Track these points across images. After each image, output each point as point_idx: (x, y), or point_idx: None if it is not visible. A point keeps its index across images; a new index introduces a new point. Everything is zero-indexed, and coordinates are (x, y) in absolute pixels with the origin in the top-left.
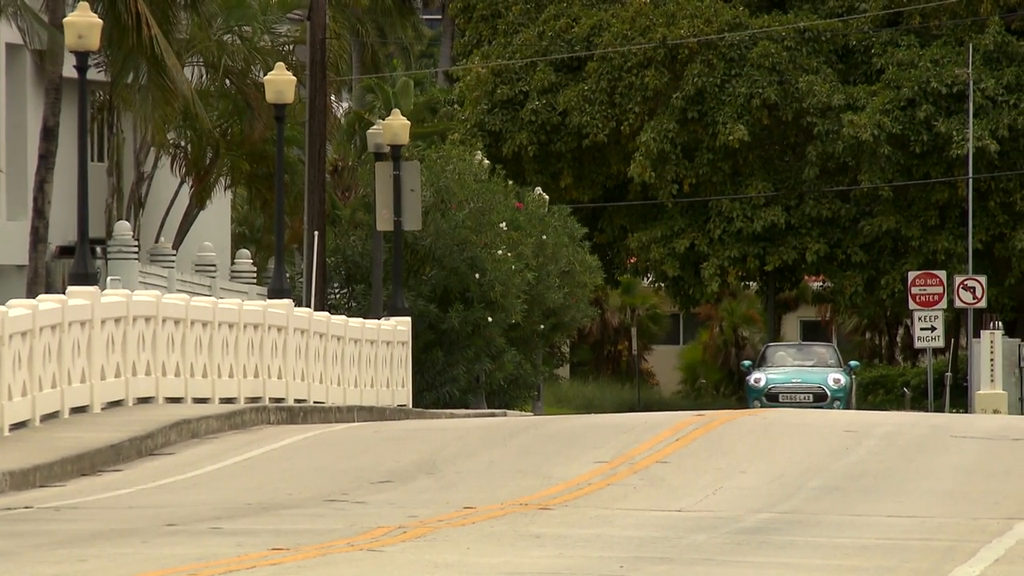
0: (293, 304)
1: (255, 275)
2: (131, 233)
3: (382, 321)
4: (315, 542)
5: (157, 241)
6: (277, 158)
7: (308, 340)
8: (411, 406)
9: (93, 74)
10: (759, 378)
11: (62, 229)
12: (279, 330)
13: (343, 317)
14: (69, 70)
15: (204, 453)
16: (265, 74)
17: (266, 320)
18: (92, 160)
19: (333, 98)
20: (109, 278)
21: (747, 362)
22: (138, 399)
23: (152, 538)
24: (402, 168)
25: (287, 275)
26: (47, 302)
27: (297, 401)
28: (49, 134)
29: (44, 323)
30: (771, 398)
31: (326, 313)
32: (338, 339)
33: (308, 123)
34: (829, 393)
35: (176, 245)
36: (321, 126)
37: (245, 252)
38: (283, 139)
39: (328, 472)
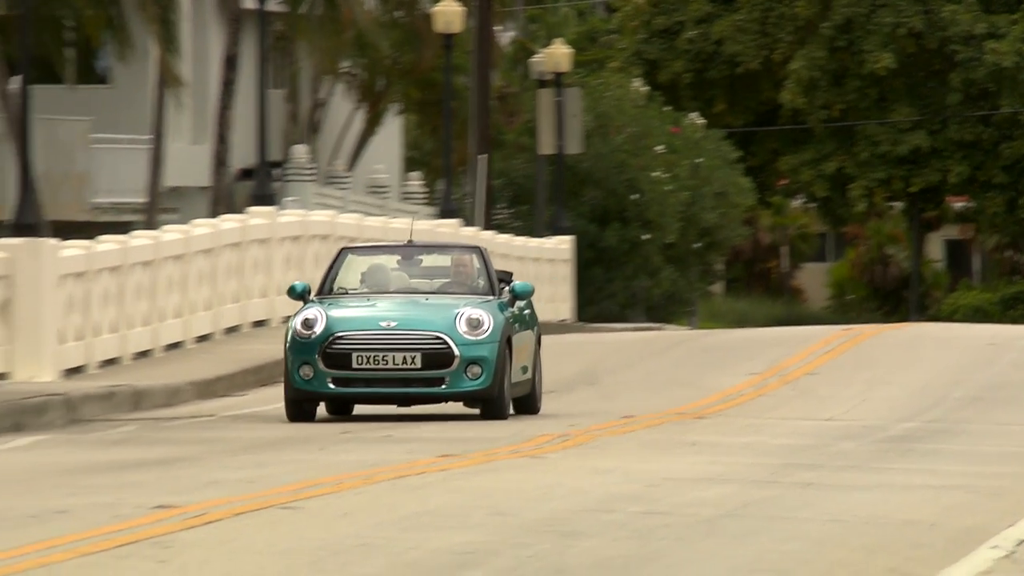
0: (462, 224)
1: (425, 196)
2: (307, 156)
3: (545, 240)
4: (481, 449)
5: (332, 164)
6: (445, 85)
7: None
8: (573, 320)
9: (272, 4)
10: (312, 318)
11: (242, 153)
12: None
13: (508, 236)
14: (249, 1)
15: None
16: (434, 5)
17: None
18: (270, 87)
19: (499, 27)
20: (286, 199)
21: (300, 284)
22: None
23: (328, 445)
24: (564, 95)
25: (455, 196)
26: (229, 222)
27: None
28: (231, 63)
29: (226, 241)
30: (333, 362)
31: (491, 232)
32: (503, 256)
33: (475, 52)
34: (456, 349)
35: (350, 168)
36: (487, 55)
37: (415, 174)
38: (451, 67)
39: None
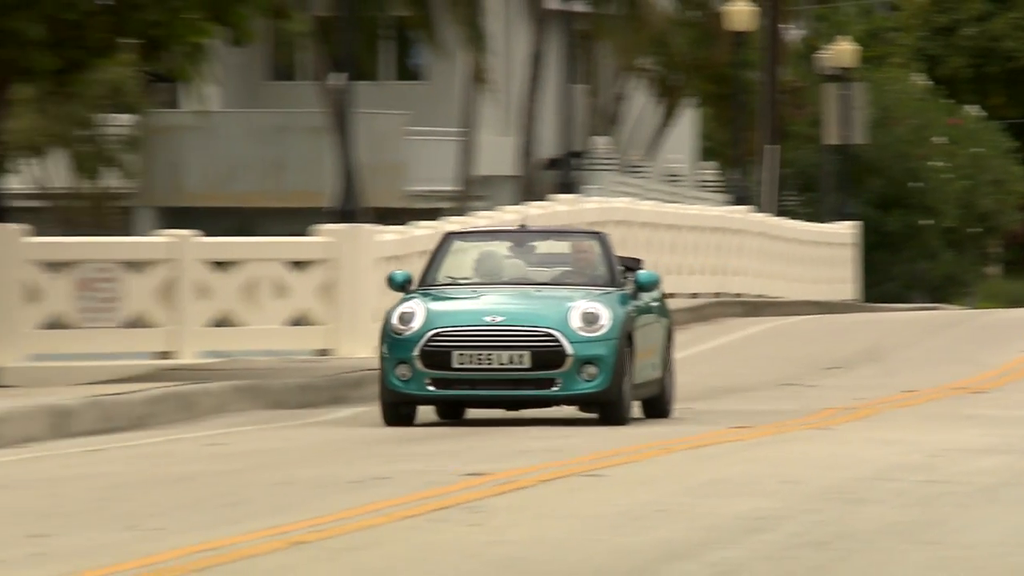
0: (753, 210)
1: (718, 185)
2: (608, 147)
3: (828, 225)
4: (771, 421)
5: (630, 154)
6: (736, 80)
7: (763, 242)
8: (855, 301)
9: (575, 5)
10: (410, 312)
11: (546, 144)
12: (737, 233)
13: (796, 221)
14: (553, 2)
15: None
16: (726, 4)
17: (726, 224)
18: (574, 82)
19: (787, 25)
20: (589, 187)
21: (400, 273)
22: None
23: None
24: (849, 88)
25: (747, 184)
26: (534, 208)
27: (754, 296)
28: (536, 60)
29: None
30: (431, 361)
31: (780, 218)
32: (791, 241)
33: (765, 49)
34: (569, 347)
35: (647, 157)
36: (776, 52)
37: (709, 164)
38: (741, 63)
39: (782, 359)
